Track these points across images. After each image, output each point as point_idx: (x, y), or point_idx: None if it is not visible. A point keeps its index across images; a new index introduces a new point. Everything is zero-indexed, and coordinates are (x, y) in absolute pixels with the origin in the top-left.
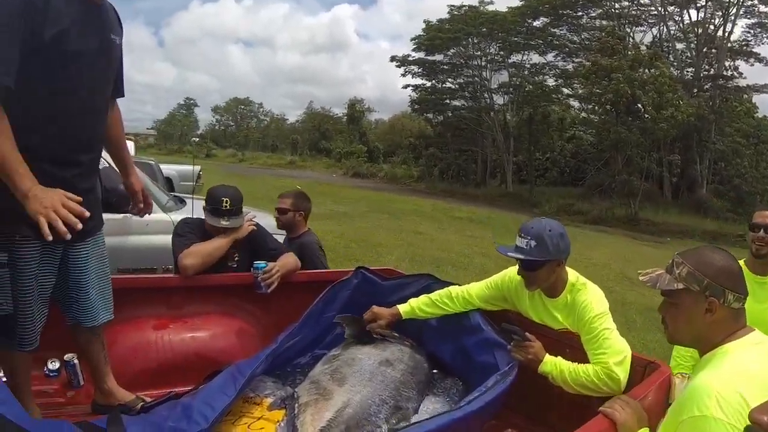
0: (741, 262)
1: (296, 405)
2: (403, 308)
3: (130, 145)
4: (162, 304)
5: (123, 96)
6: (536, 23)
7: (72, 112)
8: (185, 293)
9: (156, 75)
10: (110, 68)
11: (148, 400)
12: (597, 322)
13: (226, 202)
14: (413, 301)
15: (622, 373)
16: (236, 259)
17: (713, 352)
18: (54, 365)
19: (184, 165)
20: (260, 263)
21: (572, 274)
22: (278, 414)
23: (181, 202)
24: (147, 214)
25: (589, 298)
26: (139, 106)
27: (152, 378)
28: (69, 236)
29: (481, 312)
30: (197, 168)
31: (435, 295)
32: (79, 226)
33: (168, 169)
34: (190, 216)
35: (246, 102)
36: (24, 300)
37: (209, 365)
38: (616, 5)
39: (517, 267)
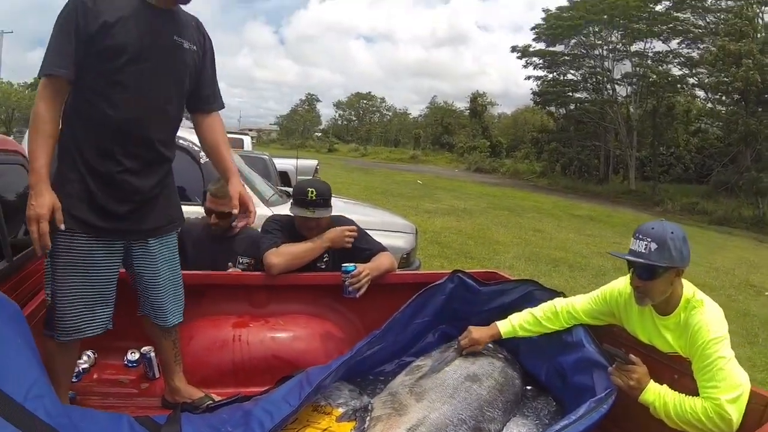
0: None
1: (368, 418)
2: (503, 328)
3: (246, 141)
4: (245, 302)
5: (220, 108)
6: (658, 8)
7: (119, 106)
8: (270, 292)
9: (278, 71)
10: (176, 71)
11: (217, 399)
12: (711, 348)
13: (312, 193)
14: (515, 318)
15: (735, 413)
16: (325, 260)
17: None
18: (134, 356)
19: (302, 159)
20: (349, 266)
21: (688, 288)
22: (347, 427)
23: (288, 196)
24: (247, 224)
25: (705, 318)
26: (262, 102)
27: (225, 377)
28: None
29: (585, 327)
30: (314, 162)
31: (538, 310)
32: (39, 251)
33: (284, 163)
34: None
35: (368, 97)
36: (62, 291)
37: (287, 368)
38: None
39: (626, 278)
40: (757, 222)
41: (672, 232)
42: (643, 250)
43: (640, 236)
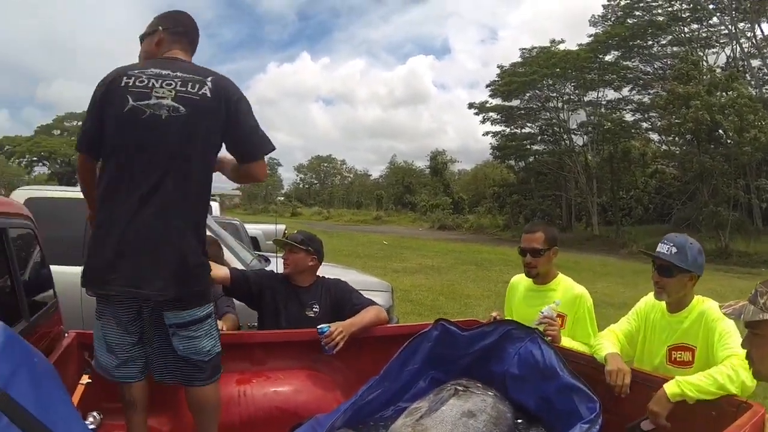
0: None
1: None
2: (611, 348)
3: (215, 206)
4: (245, 360)
5: (246, 160)
6: (608, 57)
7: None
8: (267, 349)
9: None
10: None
11: None
12: (720, 324)
13: None
14: (610, 344)
15: (746, 373)
16: (315, 309)
17: None
18: None
19: (268, 224)
20: (323, 327)
21: (697, 297)
22: None
23: (266, 260)
24: None
25: (710, 305)
26: None
27: None
28: None
29: (555, 353)
30: (281, 227)
31: (612, 336)
32: None
33: (253, 228)
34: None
35: (329, 159)
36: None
37: (292, 419)
38: (686, 29)
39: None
40: (720, 254)
41: (691, 243)
42: (666, 252)
43: (665, 241)
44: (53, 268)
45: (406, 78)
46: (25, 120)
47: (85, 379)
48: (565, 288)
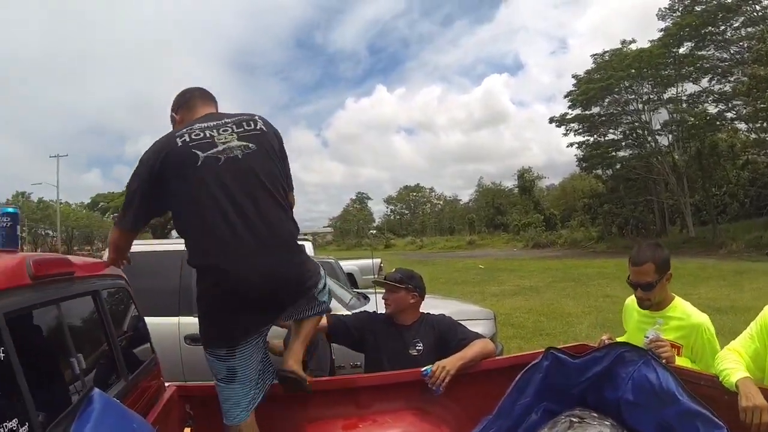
0: None
1: None
2: (740, 374)
3: (308, 246)
4: (350, 404)
5: (291, 188)
6: (681, 50)
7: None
8: (372, 391)
9: (325, 174)
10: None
11: None
12: None
13: None
14: (734, 364)
15: None
16: (419, 348)
17: None
18: None
19: (364, 259)
20: (426, 369)
21: None
22: None
23: (365, 298)
24: None
25: None
26: (313, 206)
27: None
28: None
29: (672, 375)
30: (377, 261)
31: (735, 355)
32: None
33: (348, 264)
34: (374, 311)
35: (417, 189)
36: None
37: None
38: (757, 7)
39: None
40: None
41: None
42: None
43: None
44: (153, 320)
45: (484, 99)
46: (116, 177)
47: None
48: (682, 315)
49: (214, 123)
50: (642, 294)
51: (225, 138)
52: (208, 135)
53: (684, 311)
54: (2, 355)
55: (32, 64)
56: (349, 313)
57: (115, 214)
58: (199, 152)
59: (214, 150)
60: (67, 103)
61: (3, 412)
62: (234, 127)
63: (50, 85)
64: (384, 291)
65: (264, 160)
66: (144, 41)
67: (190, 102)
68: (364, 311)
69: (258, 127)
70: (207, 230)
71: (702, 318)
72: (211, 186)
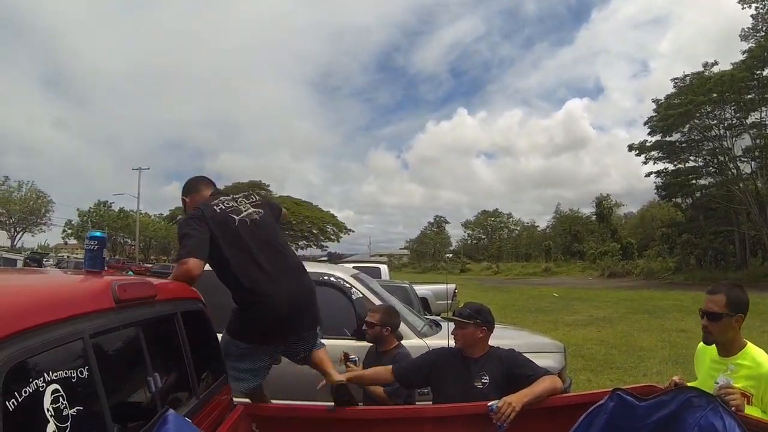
0: None
1: None
2: None
3: (383, 270)
4: None
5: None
6: (766, 72)
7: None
8: (437, 422)
9: (403, 196)
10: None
11: None
12: None
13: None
14: None
15: None
16: (484, 380)
17: None
18: None
19: (438, 284)
20: (492, 404)
21: None
22: None
23: (437, 326)
24: None
25: None
26: (390, 227)
27: None
28: None
29: (739, 425)
30: (452, 286)
31: None
32: None
33: (422, 289)
34: (446, 344)
35: (495, 214)
36: None
37: None
38: None
39: None
40: None
41: None
42: None
43: None
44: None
45: (564, 123)
46: None
47: None
48: (753, 362)
49: (230, 197)
50: (706, 323)
51: (245, 207)
52: (232, 205)
53: (755, 359)
54: (87, 373)
55: (120, 79)
56: (422, 341)
57: None
58: (234, 216)
59: (242, 215)
60: (151, 118)
61: (84, 427)
62: (245, 199)
63: (136, 100)
64: (454, 326)
65: (270, 220)
66: (229, 62)
67: (197, 187)
68: (432, 350)
69: (258, 199)
70: (247, 266)
71: None
72: (245, 238)
